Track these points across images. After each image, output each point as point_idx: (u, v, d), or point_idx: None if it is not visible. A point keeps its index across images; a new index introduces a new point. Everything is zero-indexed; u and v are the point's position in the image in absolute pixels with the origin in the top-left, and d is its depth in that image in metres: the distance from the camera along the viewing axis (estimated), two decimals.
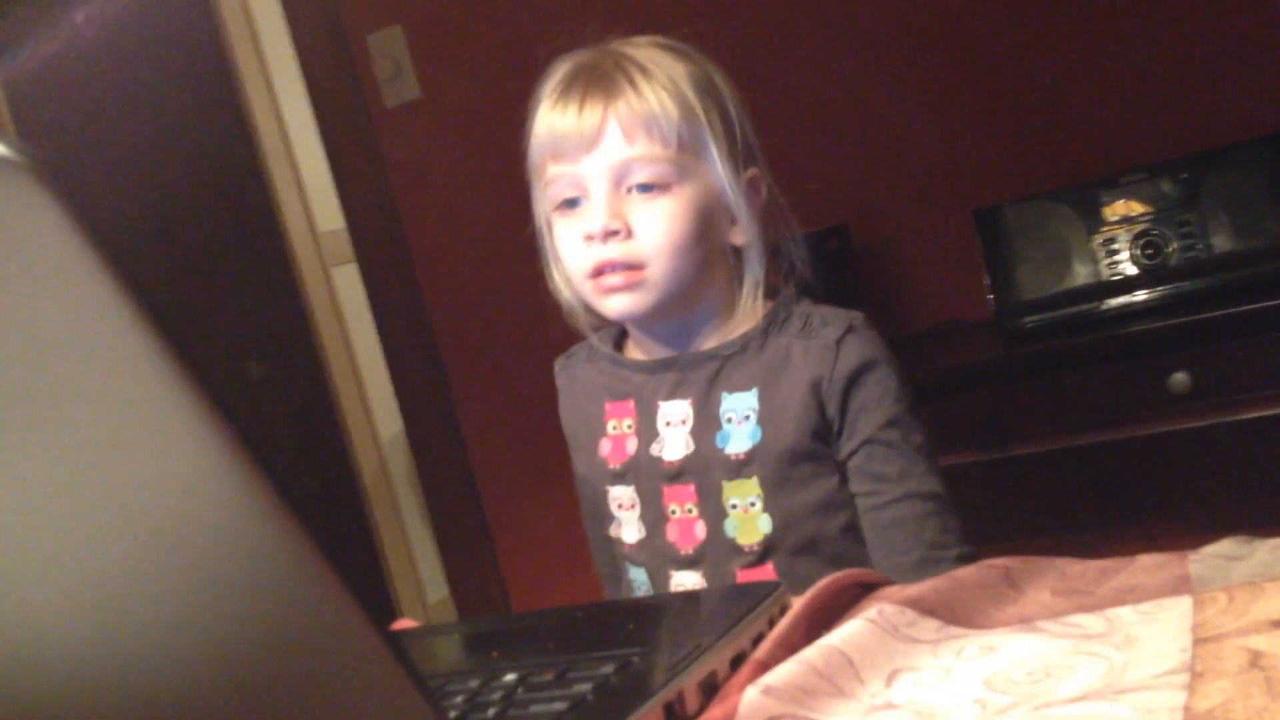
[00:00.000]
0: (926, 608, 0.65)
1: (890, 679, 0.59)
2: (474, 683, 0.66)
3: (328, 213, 3.07)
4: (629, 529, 1.22)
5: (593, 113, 1.11)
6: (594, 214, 1.11)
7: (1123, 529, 1.75)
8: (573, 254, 1.14)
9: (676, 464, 1.17)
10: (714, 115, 1.13)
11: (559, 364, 1.32)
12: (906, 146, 2.17)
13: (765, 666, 0.61)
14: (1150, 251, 1.78)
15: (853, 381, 1.13)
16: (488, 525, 2.54)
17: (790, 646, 0.64)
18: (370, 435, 3.24)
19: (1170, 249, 1.77)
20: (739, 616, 0.66)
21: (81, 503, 0.41)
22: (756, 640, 0.65)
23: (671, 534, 1.17)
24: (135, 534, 0.41)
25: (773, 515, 1.13)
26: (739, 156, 1.15)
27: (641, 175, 1.10)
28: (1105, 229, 1.82)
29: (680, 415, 1.18)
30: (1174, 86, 2.00)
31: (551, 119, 1.13)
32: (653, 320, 1.18)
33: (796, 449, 1.12)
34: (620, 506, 1.22)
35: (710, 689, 0.62)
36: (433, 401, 2.58)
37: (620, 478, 1.21)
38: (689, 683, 0.60)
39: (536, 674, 0.65)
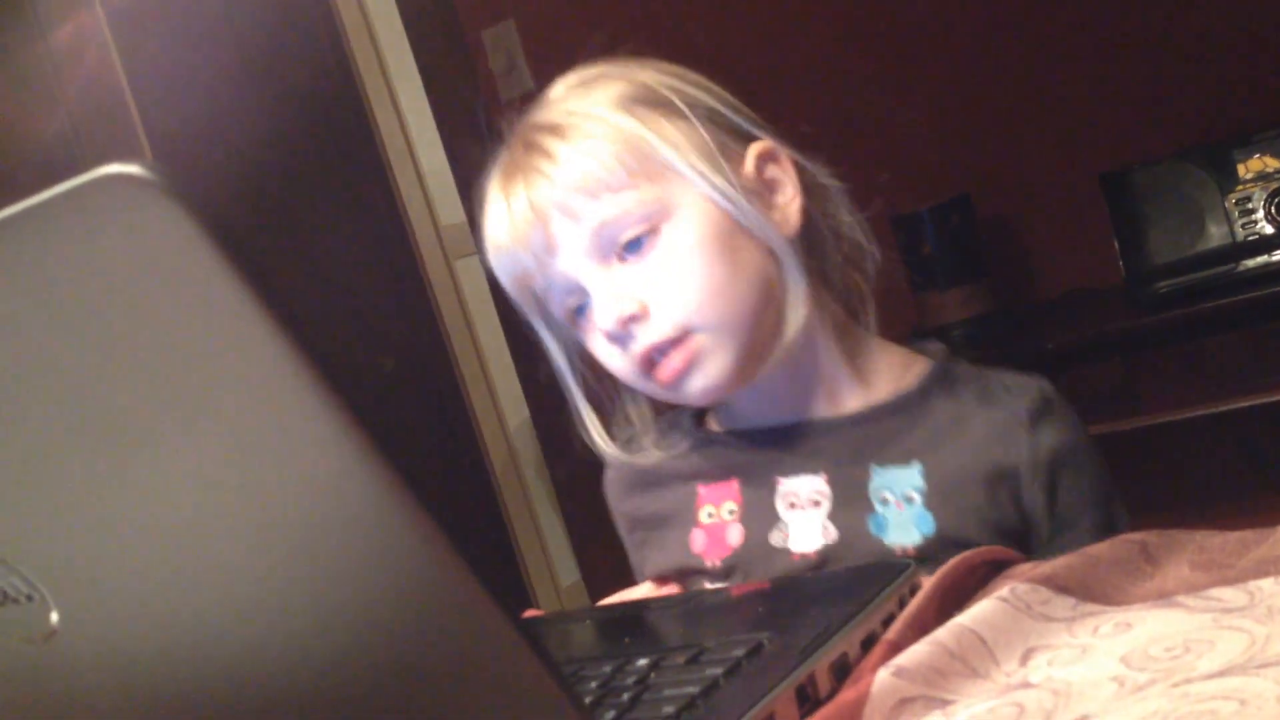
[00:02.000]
0: (1060, 585, 0.64)
1: (1025, 658, 0.59)
2: (607, 668, 0.67)
3: (448, 206, 3.12)
4: None
5: (525, 220, 0.93)
6: (601, 308, 0.92)
7: (1266, 497, 1.71)
8: (611, 360, 0.95)
9: (813, 557, 0.92)
10: (667, 123, 0.92)
11: (614, 456, 1.03)
12: (1027, 112, 2.13)
13: (897, 647, 0.61)
14: None
15: (1057, 473, 0.91)
16: None
17: (921, 627, 0.63)
18: (498, 424, 3.28)
19: None
20: (870, 598, 0.66)
21: (224, 504, 0.43)
22: (887, 621, 0.65)
23: None
24: (275, 533, 0.43)
25: None
26: (724, 146, 0.93)
27: (620, 235, 0.91)
28: (1239, 188, 1.77)
29: (811, 494, 0.94)
30: None
31: (498, 256, 0.97)
32: (743, 386, 0.95)
33: (980, 537, 0.88)
34: None
35: (842, 671, 0.62)
36: (557, 388, 2.60)
37: (724, 576, 0.97)
38: (820, 665, 0.61)
39: (668, 658, 0.65)
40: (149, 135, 2.32)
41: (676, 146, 0.91)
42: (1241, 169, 1.77)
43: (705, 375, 0.92)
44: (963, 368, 0.97)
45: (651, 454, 1.01)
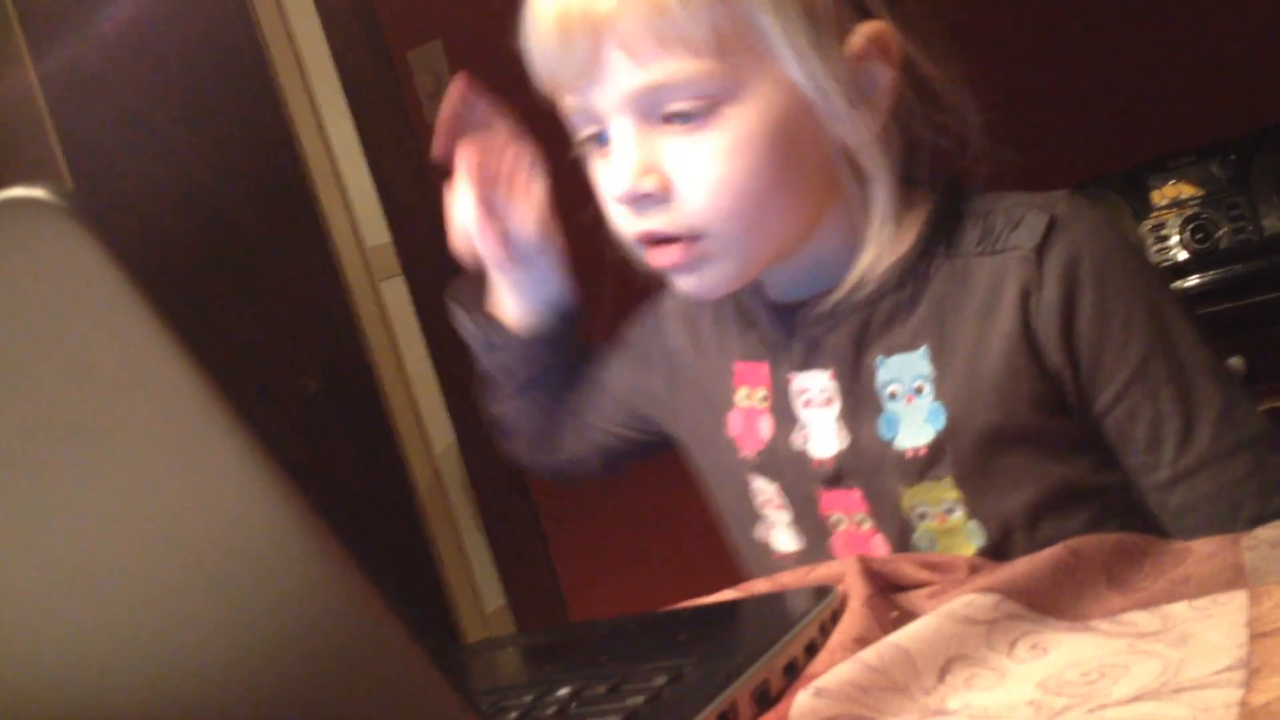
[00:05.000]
0: (984, 586, 0.64)
1: (944, 670, 0.59)
2: (528, 697, 0.66)
3: (374, 227, 3.10)
4: (782, 536, 0.90)
5: (576, 23, 0.78)
6: (617, 170, 0.80)
7: None
8: (612, 213, 0.85)
9: (830, 464, 0.84)
10: None
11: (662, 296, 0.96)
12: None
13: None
14: (1200, 235, 1.76)
15: (1075, 303, 0.77)
16: (543, 533, 2.55)
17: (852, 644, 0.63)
18: (424, 446, 3.26)
19: (1221, 232, 1.75)
20: (791, 623, 0.66)
21: (129, 532, 0.42)
22: (810, 647, 0.65)
23: (839, 551, 0.86)
24: (181, 561, 0.42)
25: (985, 522, 0.80)
26: (832, 22, 0.78)
27: (671, 104, 0.77)
28: (1154, 214, 1.80)
29: (821, 392, 0.84)
30: (1218, 65, 1.97)
31: (540, 49, 0.82)
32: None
33: (1006, 429, 0.79)
34: (768, 503, 0.90)
35: (764, 698, 0.62)
36: (484, 411, 2.59)
37: (760, 470, 0.88)
38: (741, 692, 0.60)
39: (590, 687, 0.65)
40: (64, 145, 2.28)
41: (783, 16, 0.76)
42: (1156, 195, 1.81)
43: (698, 279, 0.82)
44: (970, 203, 0.84)
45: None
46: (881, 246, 0.81)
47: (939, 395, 0.80)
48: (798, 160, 0.80)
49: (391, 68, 2.51)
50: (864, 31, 0.79)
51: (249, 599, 0.42)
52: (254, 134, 3.18)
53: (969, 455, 0.79)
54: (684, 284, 0.83)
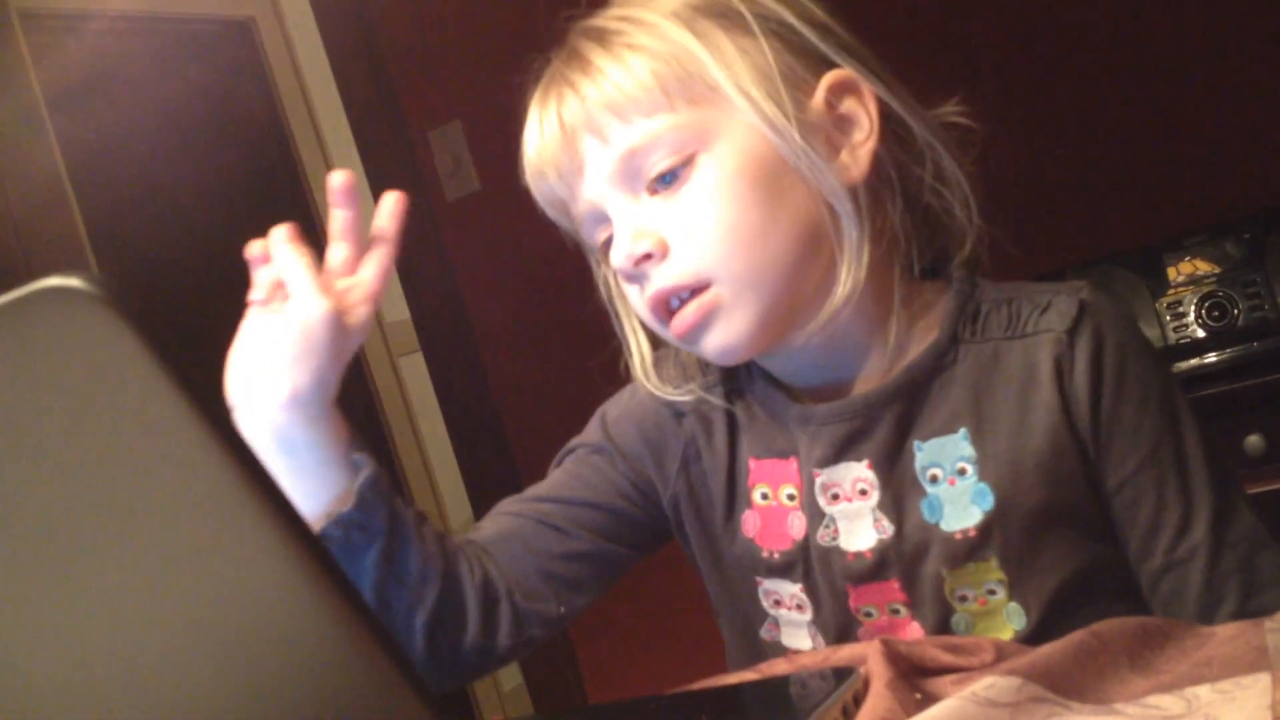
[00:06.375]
0: (1008, 669, 0.64)
1: None
2: None
3: (393, 304, 3.12)
4: (795, 634, 0.87)
5: (554, 139, 0.83)
6: (616, 244, 0.82)
7: None
8: (632, 299, 0.86)
9: (869, 555, 0.82)
10: (726, 39, 0.80)
11: (658, 391, 0.90)
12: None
13: None
14: (1216, 313, 1.76)
15: (1100, 385, 0.79)
16: None
17: None
18: (441, 523, 3.26)
19: (1237, 310, 1.75)
20: (813, 705, 0.66)
21: (160, 613, 0.42)
22: None
23: (868, 640, 0.80)
24: (212, 642, 0.42)
25: (1026, 602, 0.80)
26: (791, 70, 0.81)
27: (650, 168, 0.80)
28: (1170, 292, 1.81)
29: (856, 484, 0.83)
30: (1234, 145, 1.99)
31: (531, 177, 0.87)
32: (774, 348, 0.84)
33: (1052, 507, 0.79)
34: (779, 604, 0.88)
35: None
36: (500, 488, 2.59)
37: (783, 571, 0.86)
38: None
39: None
40: (86, 221, 2.31)
41: (729, 66, 0.79)
42: (1172, 272, 1.81)
43: (721, 333, 0.81)
44: (985, 289, 0.85)
45: (693, 393, 0.89)
46: (849, 290, 0.81)
47: (983, 476, 0.80)
48: (785, 193, 0.80)
49: (411, 147, 2.55)
50: (826, 79, 0.82)
51: (278, 677, 0.42)
52: (275, 210, 3.22)
53: (1016, 534, 0.79)
54: (711, 344, 0.82)
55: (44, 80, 2.21)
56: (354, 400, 3.22)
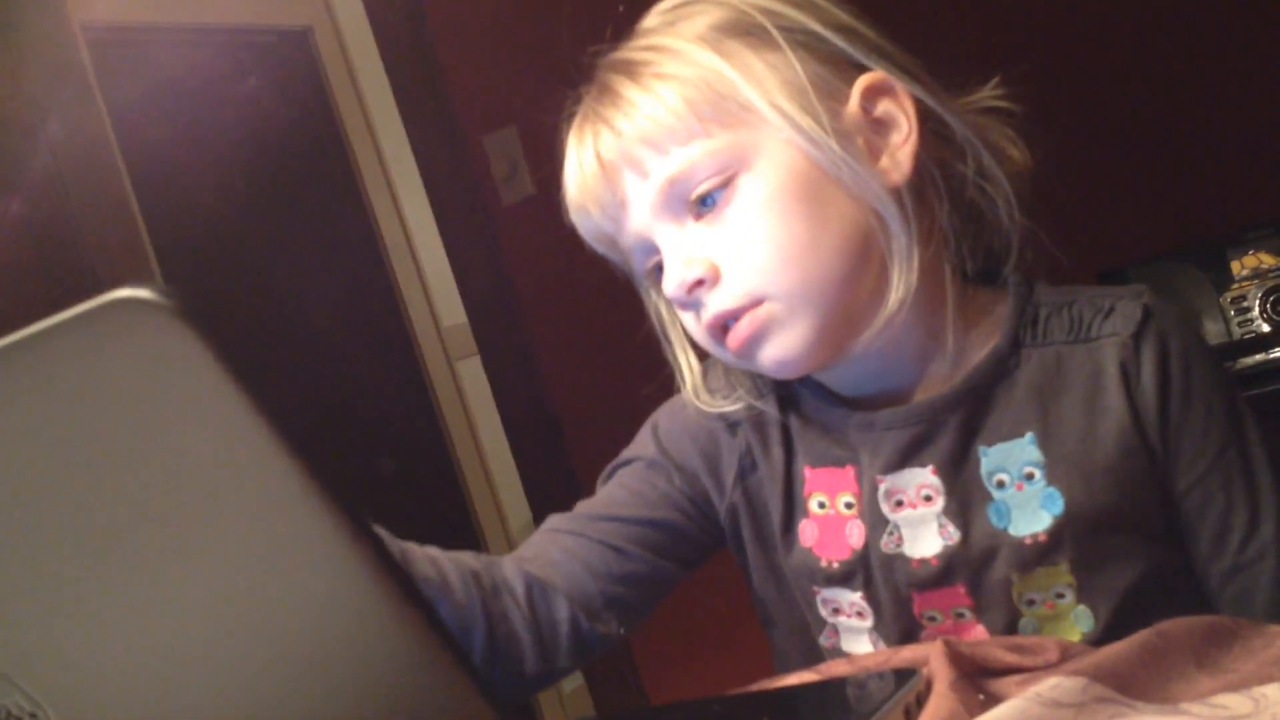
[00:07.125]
0: (1071, 670, 0.64)
1: None
2: None
3: (450, 307, 3.14)
4: (855, 640, 0.87)
5: (593, 175, 0.83)
6: (667, 272, 0.82)
7: None
8: (688, 324, 0.86)
9: (935, 562, 0.82)
10: (754, 56, 0.80)
11: (709, 406, 0.90)
12: (1023, 211, 2.15)
13: None
14: None
15: (1168, 388, 0.79)
16: None
17: None
18: (500, 526, 3.27)
19: None
20: (874, 707, 0.66)
21: (227, 619, 0.43)
22: None
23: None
24: (279, 647, 0.43)
25: (1094, 605, 0.80)
26: (823, 80, 0.80)
27: (692, 192, 0.80)
28: (1234, 286, 1.78)
29: (920, 490, 0.83)
30: None
31: (575, 213, 0.87)
32: (834, 361, 0.84)
33: (1121, 510, 0.79)
34: (838, 612, 0.87)
35: None
36: (559, 490, 2.60)
37: (843, 580, 0.86)
38: None
39: None
40: (153, 237, 2.34)
41: (760, 84, 0.79)
42: (1236, 266, 1.79)
43: (778, 347, 0.80)
44: (1043, 293, 0.85)
45: (743, 400, 0.89)
46: (902, 294, 0.80)
47: (1052, 480, 0.79)
48: (829, 204, 0.80)
49: (466, 153, 2.57)
50: (859, 84, 0.81)
51: (346, 679, 0.43)
52: (333, 218, 3.25)
53: (1086, 538, 0.79)
54: (768, 356, 0.81)
55: (106, 92, 2.25)
56: (412, 404, 3.24)
